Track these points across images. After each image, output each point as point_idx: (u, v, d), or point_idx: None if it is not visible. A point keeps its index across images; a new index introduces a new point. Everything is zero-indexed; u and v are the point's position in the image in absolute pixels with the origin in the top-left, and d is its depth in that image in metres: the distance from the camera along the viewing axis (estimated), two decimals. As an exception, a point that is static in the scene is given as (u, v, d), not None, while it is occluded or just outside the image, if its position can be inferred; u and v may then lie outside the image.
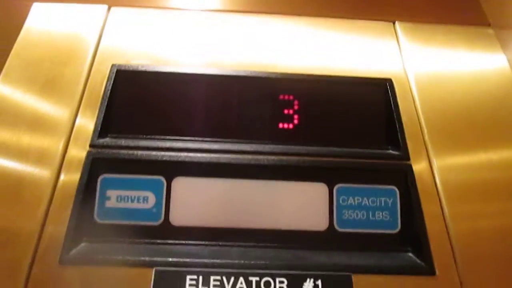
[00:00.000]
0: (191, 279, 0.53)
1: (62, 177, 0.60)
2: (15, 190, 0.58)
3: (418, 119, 0.69)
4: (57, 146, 0.62)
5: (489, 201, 0.62)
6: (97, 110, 0.65)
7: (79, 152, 0.62)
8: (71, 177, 0.60)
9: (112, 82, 0.68)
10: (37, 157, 0.61)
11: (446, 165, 0.65)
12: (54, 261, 0.54)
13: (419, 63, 0.76)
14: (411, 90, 0.72)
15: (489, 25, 0.82)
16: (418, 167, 0.64)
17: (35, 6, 0.77)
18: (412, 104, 0.71)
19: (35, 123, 0.64)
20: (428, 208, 0.61)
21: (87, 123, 0.64)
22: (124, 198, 0.60)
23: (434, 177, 0.64)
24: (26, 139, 0.62)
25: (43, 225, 0.56)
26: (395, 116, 0.68)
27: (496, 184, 0.63)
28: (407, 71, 0.75)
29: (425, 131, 0.67)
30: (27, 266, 0.53)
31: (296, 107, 0.69)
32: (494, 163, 0.65)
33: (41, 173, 0.60)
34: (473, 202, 0.62)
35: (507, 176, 0.64)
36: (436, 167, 0.64)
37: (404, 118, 0.68)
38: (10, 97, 0.66)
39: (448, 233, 0.59)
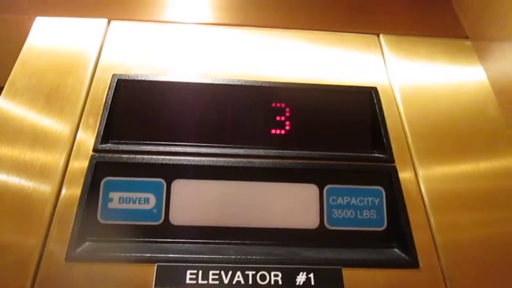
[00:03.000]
0: (191, 274, 0.56)
1: (66, 181, 0.63)
2: (21, 196, 0.61)
3: (402, 125, 0.73)
4: (61, 152, 0.65)
5: (470, 206, 0.66)
6: (99, 117, 0.69)
7: (82, 158, 0.65)
8: (75, 181, 0.63)
9: (113, 91, 0.71)
10: (42, 163, 0.64)
11: (429, 168, 0.69)
12: (60, 259, 0.57)
13: (403, 74, 0.80)
14: (395, 98, 0.77)
15: (467, 37, 0.88)
16: (403, 172, 0.68)
17: (38, 20, 0.81)
18: (396, 111, 0.75)
19: (40, 130, 0.67)
20: (411, 208, 0.65)
21: (90, 129, 0.68)
22: (126, 199, 0.64)
23: (417, 179, 0.68)
24: (31, 146, 0.65)
25: (49, 226, 0.59)
26: (380, 122, 0.72)
27: (476, 190, 0.68)
28: (391, 81, 0.79)
29: (409, 135, 0.72)
30: (34, 264, 0.56)
31: (287, 114, 0.73)
32: (475, 169, 0.70)
33: (47, 178, 0.62)
34: (455, 207, 0.66)
35: (488, 184, 0.68)
36: (419, 169, 0.68)
37: (388, 124, 0.73)
38: (15, 106, 0.69)
39: (431, 230, 0.63)
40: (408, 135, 0.72)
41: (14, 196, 0.61)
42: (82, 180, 0.63)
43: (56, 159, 0.64)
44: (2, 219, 0.59)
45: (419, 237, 0.63)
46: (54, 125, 0.68)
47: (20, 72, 0.73)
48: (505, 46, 0.76)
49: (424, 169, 0.69)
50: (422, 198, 0.66)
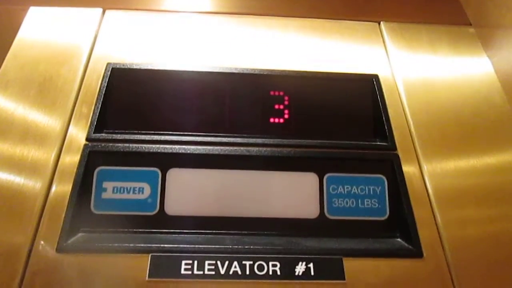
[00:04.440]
0: (186, 264, 0.55)
1: (58, 173, 0.61)
2: (12, 189, 0.59)
3: (404, 113, 0.71)
4: (53, 144, 0.63)
5: (474, 196, 0.64)
6: (93, 107, 0.67)
7: (75, 148, 0.63)
8: (67, 173, 0.61)
9: (107, 80, 0.70)
10: (34, 155, 0.62)
11: (432, 157, 0.67)
12: (51, 250, 0.55)
13: (404, 62, 0.78)
14: (397, 86, 0.75)
15: (470, 24, 0.86)
16: (405, 160, 0.66)
17: (32, 10, 0.79)
18: (398, 98, 0.73)
19: (31, 122, 0.65)
20: (414, 198, 0.63)
21: (83, 119, 0.66)
22: (120, 189, 0.62)
23: (420, 167, 0.66)
24: (23, 138, 0.64)
25: (40, 218, 0.57)
26: (381, 109, 0.71)
27: (480, 179, 0.66)
28: (393, 69, 0.77)
29: (411, 123, 0.70)
30: (25, 256, 0.54)
31: (286, 103, 0.71)
32: (479, 157, 0.68)
33: (39, 170, 0.61)
34: (459, 197, 0.64)
35: (492, 172, 0.67)
36: (422, 157, 0.66)
37: (390, 112, 0.71)
38: (6, 98, 0.67)
39: (435, 219, 0.61)
40: (411, 123, 0.70)
41: (5, 189, 0.59)
42: (75, 171, 0.61)
43: (48, 151, 0.63)
44: (-8, 212, 0.58)
45: (423, 227, 0.61)
46: (46, 116, 0.66)
47: (12, 63, 0.72)
48: (509, 32, 0.74)
49: (427, 157, 0.67)
50: (426, 187, 0.64)
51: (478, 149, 0.68)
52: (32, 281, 0.53)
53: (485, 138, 0.70)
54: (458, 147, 0.69)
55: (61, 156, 0.63)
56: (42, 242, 0.55)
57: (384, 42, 0.82)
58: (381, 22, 0.85)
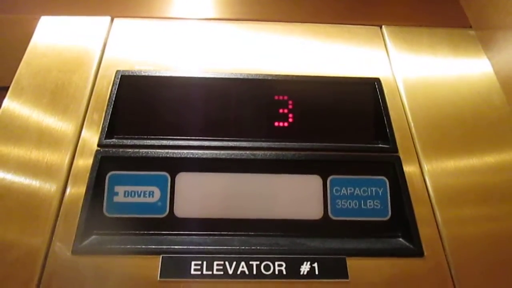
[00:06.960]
0: (195, 264, 0.57)
1: (72, 177, 0.64)
2: (28, 193, 0.62)
3: (405, 115, 0.73)
4: (66, 149, 0.66)
5: (475, 196, 0.66)
6: (104, 113, 0.69)
7: (87, 154, 0.66)
8: (80, 177, 0.64)
9: (117, 87, 0.72)
10: (48, 160, 0.65)
11: (433, 158, 0.68)
12: (67, 253, 0.58)
13: (406, 65, 0.80)
14: (398, 90, 0.76)
15: (470, 27, 0.87)
16: (406, 162, 0.68)
17: (43, 20, 0.82)
18: (400, 101, 0.75)
19: (45, 128, 0.68)
20: (415, 199, 0.65)
21: (95, 126, 0.68)
22: (131, 193, 0.64)
23: (421, 169, 0.67)
24: (37, 144, 0.66)
25: (55, 221, 0.60)
26: (383, 112, 0.72)
27: (481, 179, 0.67)
28: (395, 72, 0.79)
29: (412, 126, 0.71)
30: (42, 258, 0.57)
31: (290, 107, 0.73)
32: (480, 158, 0.69)
33: (53, 175, 0.63)
34: (460, 197, 0.65)
35: (493, 175, 0.68)
36: (423, 159, 0.68)
37: (392, 115, 0.72)
38: (20, 105, 0.70)
39: (435, 218, 0.63)
40: (412, 125, 0.72)
41: (21, 193, 0.62)
42: (88, 175, 0.64)
43: (62, 156, 0.65)
44: (10, 216, 0.60)
45: (424, 227, 0.62)
46: (59, 122, 0.68)
47: (25, 71, 0.74)
48: (509, 34, 0.75)
49: (428, 159, 0.68)
50: (426, 188, 0.66)
51: (478, 150, 0.70)
52: (49, 282, 0.55)
53: (485, 138, 0.71)
54: (458, 147, 0.70)
55: (74, 162, 0.65)
56: (58, 245, 0.58)
57: (385, 45, 0.84)
58: (383, 26, 0.86)
